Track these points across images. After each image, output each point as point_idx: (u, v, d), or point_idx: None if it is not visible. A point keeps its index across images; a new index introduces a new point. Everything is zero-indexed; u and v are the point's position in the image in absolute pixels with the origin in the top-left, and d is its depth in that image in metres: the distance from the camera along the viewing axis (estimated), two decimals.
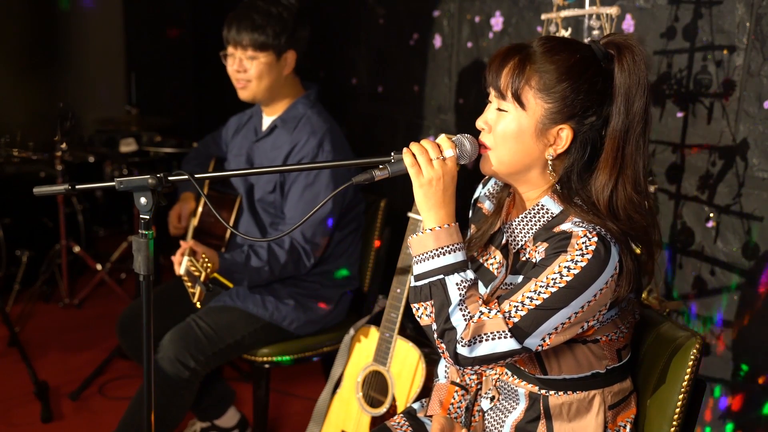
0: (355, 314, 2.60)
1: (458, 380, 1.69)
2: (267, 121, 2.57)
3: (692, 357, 1.48)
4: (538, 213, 1.45)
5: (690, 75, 2.12)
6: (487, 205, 1.63)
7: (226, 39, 2.41)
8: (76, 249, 3.87)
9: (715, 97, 2.07)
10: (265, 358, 2.45)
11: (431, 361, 2.12)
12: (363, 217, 2.65)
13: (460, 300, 1.36)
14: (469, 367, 1.36)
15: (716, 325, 2.13)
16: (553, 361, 1.46)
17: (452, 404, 1.67)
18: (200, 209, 2.66)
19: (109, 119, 4.29)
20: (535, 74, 1.37)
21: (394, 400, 2.17)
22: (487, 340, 1.33)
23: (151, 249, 1.43)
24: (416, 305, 1.41)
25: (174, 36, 5.11)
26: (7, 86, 4.49)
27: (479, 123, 1.45)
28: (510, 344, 1.33)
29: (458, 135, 1.46)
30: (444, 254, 1.39)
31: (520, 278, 1.39)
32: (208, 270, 2.08)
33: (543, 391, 1.50)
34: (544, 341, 1.34)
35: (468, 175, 2.83)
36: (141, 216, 1.43)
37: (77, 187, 1.45)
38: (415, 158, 1.40)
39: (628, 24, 2.26)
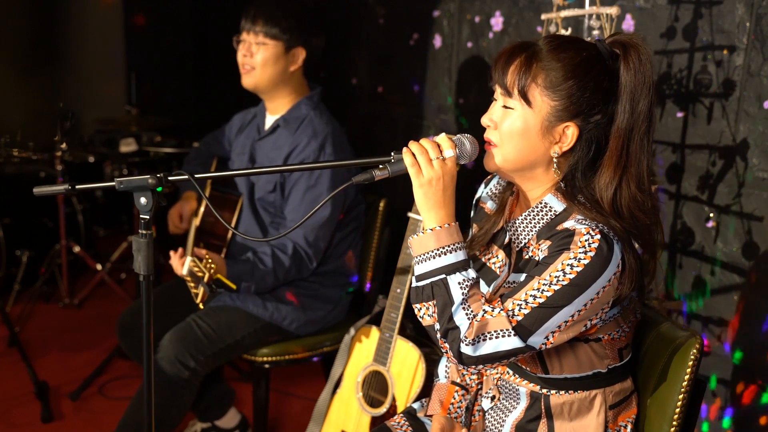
0: (355, 314, 2.60)
1: (458, 380, 1.69)
2: (270, 120, 2.57)
3: (692, 357, 1.48)
4: (542, 211, 1.45)
5: (690, 75, 2.12)
6: (489, 205, 1.63)
7: (242, 26, 2.46)
8: (76, 249, 3.87)
9: (715, 97, 2.07)
10: (265, 358, 2.45)
11: (431, 361, 2.12)
12: (363, 218, 2.65)
13: (463, 299, 1.36)
14: (473, 366, 1.36)
15: (716, 324, 2.13)
16: (554, 360, 1.46)
17: (452, 404, 1.67)
18: (202, 209, 2.66)
19: (109, 119, 4.29)
20: (541, 72, 1.37)
21: (394, 400, 2.17)
22: (490, 338, 1.33)
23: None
24: (418, 305, 1.41)
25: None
26: (7, 86, 4.49)
27: (484, 120, 1.45)
28: (514, 342, 1.33)
29: (458, 135, 1.46)
30: (445, 254, 1.39)
31: (523, 276, 1.40)
32: (212, 271, 2.07)
33: (544, 391, 1.50)
34: (548, 339, 1.34)
35: (468, 175, 2.83)
36: (141, 216, 1.43)
37: (77, 187, 1.46)
38: (415, 158, 1.40)
39: (628, 24, 2.26)
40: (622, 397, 1.53)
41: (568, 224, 1.37)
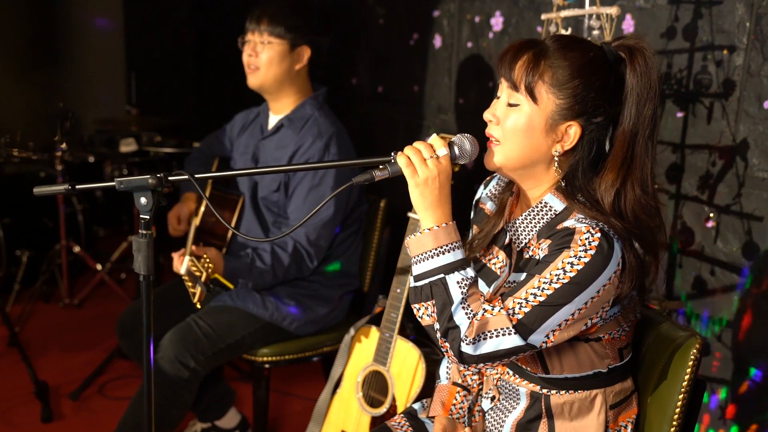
0: (355, 314, 2.60)
1: (460, 381, 1.69)
2: (273, 119, 2.57)
3: (692, 357, 1.48)
4: (542, 210, 1.45)
5: (690, 75, 2.12)
6: (489, 206, 1.63)
7: (247, 26, 2.47)
8: (76, 249, 3.87)
9: (715, 97, 2.07)
10: (265, 358, 2.45)
11: (431, 361, 2.12)
12: (365, 218, 2.65)
13: (463, 298, 1.36)
14: (474, 365, 1.36)
15: (716, 324, 2.13)
16: (555, 359, 1.46)
17: (454, 405, 1.67)
18: (202, 209, 2.66)
19: (109, 119, 4.29)
20: (549, 69, 1.37)
21: (394, 400, 2.17)
22: (491, 337, 1.34)
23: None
24: (417, 305, 1.41)
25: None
26: (7, 86, 4.49)
27: (487, 115, 1.45)
28: (514, 341, 1.33)
29: (458, 135, 1.46)
30: (443, 253, 1.39)
31: (524, 275, 1.40)
32: (210, 270, 2.07)
33: (545, 391, 1.50)
34: (549, 338, 1.34)
35: (468, 176, 2.83)
36: (141, 216, 1.43)
37: (77, 187, 1.45)
38: (410, 159, 1.41)
39: (628, 24, 2.26)
40: (622, 396, 1.53)
41: (569, 223, 1.37)
